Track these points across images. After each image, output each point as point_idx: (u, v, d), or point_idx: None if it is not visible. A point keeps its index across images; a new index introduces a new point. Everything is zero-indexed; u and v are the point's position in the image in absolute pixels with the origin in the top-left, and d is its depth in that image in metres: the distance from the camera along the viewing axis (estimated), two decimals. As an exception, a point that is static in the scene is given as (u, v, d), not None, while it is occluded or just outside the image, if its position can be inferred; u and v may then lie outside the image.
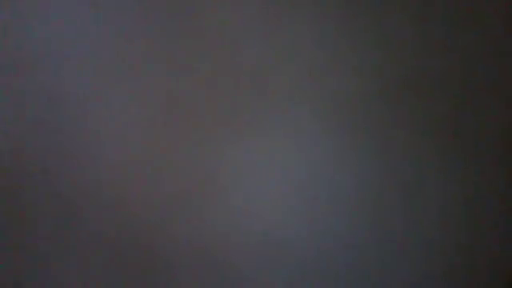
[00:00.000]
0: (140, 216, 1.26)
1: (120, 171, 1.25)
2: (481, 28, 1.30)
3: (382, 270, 1.29)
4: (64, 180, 1.25)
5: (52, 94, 1.25)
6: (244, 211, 1.27)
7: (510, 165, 1.30)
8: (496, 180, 1.30)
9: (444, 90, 1.30)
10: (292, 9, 1.28)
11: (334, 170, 1.28)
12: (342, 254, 1.28)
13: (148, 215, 1.26)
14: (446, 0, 1.30)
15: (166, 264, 1.26)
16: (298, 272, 1.28)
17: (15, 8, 1.25)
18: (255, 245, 1.27)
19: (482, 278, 1.30)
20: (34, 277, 1.24)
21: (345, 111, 1.29)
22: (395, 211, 1.29)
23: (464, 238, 1.30)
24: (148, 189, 1.26)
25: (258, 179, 1.27)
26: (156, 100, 1.26)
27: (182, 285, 1.26)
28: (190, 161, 1.26)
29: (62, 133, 1.25)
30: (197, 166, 1.26)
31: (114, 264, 1.25)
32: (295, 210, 1.28)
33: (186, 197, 1.26)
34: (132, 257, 1.25)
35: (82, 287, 1.25)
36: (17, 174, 1.24)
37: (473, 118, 1.30)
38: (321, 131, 1.28)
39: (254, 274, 1.27)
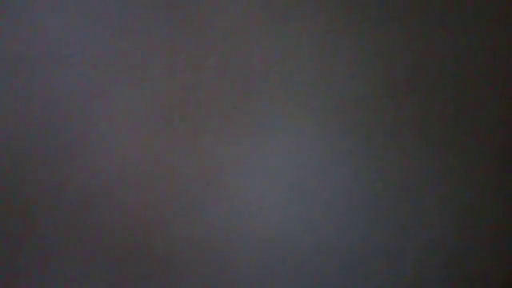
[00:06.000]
0: (140, 216, 1.26)
1: (120, 171, 1.25)
2: (481, 28, 1.31)
3: (381, 270, 1.29)
4: (64, 180, 1.25)
5: (52, 94, 1.25)
6: (244, 211, 1.27)
7: (509, 165, 1.30)
8: (495, 181, 1.30)
9: (444, 91, 1.30)
10: (293, 9, 1.28)
11: (335, 170, 1.28)
12: (342, 254, 1.28)
13: (148, 215, 1.26)
14: (446, 0, 1.30)
15: (166, 264, 1.26)
16: (298, 272, 1.28)
17: (15, 8, 1.25)
18: (255, 245, 1.27)
19: (480, 279, 1.30)
20: (35, 276, 1.24)
21: (345, 111, 1.29)
22: (395, 212, 1.29)
23: (463, 239, 1.30)
24: (148, 188, 1.26)
25: (257, 179, 1.27)
26: (157, 100, 1.26)
27: (181, 284, 1.26)
28: (190, 161, 1.26)
29: (63, 133, 1.25)
30: (197, 166, 1.27)
31: (113, 263, 1.25)
32: (295, 211, 1.28)
33: (185, 197, 1.26)
34: (132, 256, 1.25)
35: (82, 286, 1.25)
36: (17, 174, 1.24)
37: (473, 118, 1.30)
38: (321, 132, 1.28)
39: (253, 273, 1.27)
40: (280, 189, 1.27)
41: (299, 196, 1.28)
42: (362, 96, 1.29)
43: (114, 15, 1.26)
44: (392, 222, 1.29)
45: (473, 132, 1.30)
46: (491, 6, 1.30)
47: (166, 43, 1.26)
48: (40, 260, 1.24)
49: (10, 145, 1.24)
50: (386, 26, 1.29)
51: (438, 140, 1.30)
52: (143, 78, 1.26)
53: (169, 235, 1.26)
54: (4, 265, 1.24)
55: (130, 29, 1.26)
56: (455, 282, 1.29)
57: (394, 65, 1.29)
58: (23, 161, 1.24)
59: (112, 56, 1.26)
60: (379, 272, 1.29)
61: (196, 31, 1.27)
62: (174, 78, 1.27)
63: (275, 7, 1.28)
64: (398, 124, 1.29)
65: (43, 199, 1.24)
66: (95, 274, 1.25)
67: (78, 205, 1.25)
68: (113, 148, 1.25)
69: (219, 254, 1.26)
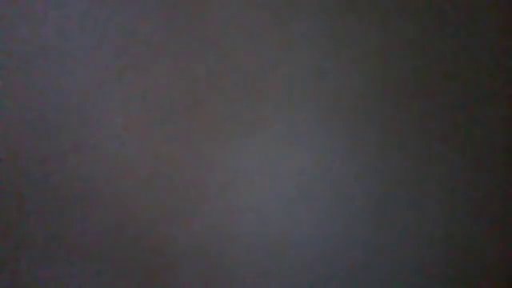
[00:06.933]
0: (139, 216, 1.26)
1: (119, 171, 1.25)
2: (481, 28, 1.30)
3: (382, 269, 1.28)
4: (64, 179, 1.25)
5: (52, 94, 1.25)
6: (244, 211, 1.27)
7: (510, 164, 1.30)
8: (497, 179, 1.30)
9: (444, 90, 1.30)
10: (291, 8, 1.28)
11: (334, 169, 1.28)
12: (342, 253, 1.28)
13: (147, 215, 1.26)
14: (446, 0, 1.30)
15: (166, 264, 1.26)
16: (298, 272, 1.28)
17: (15, 7, 1.25)
18: (255, 245, 1.27)
19: (482, 278, 1.30)
20: (34, 276, 1.24)
21: (344, 111, 1.29)
22: (396, 211, 1.29)
23: (465, 237, 1.30)
24: (147, 188, 1.26)
25: (257, 179, 1.27)
26: (156, 100, 1.26)
27: (180, 284, 1.26)
28: (190, 160, 1.26)
29: (62, 132, 1.25)
30: (196, 165, 1.26)
31: (112, 263, 1.25)
32: (295, 210, 1.28)
33: (185, 196, 1.26)
34: (131, 256, 1.25)
35: (81, 286, 1.25)
36: (17, 174, 1.24)
37: (473, 117, 1.30)
38: (320, 131, 1.28)
39: (253, 273, 1.27)
40: (280, 189, 1.27)
41: (299, 196, 1.27)
42: (363, 96, 1.29)
43: (113, 15, 1.26)
44: (393, 221, 1.29)
45: (474, 131, 1.30)
46: (491, 5, 1.30)
47: (165, 43, 1.26)
48: (39, 259, 1.24)
49: (9, 144, 1.24)
50: (387, 25, 1.29)
51: (438, 140, 1.30)
52: (143, 78, 1.26)
53: (168, 235, 1.26)
54: (5, 264, 1.24)
55: (129, 28, 1.26)
56: (456, 281, 1.29)
57: (394, 65, 1.29)
58: (22, 161, 1.24)
59: (112, 55, 1.26)
60: (381, 270, 1.28)
61: (196, 31, 1.27)
62: (174, 77, 1.27)
63: (275, 7, 1.28)
64: (399, 123, 1.29)
65: (42, 199, 1.24)
66: (94, 274, 1.25)
67: (76, 205, 1.25)
68: (112, 148, 1.25)
69: (219, 254, 1.26)
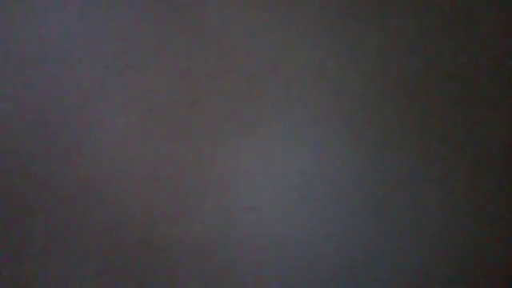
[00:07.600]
0: (139, 216, 1.26)
1: (119, 171, 1.25)
2: (481, 28, 1.30)
3: (382, 268, 1.29)
4: (64, 179, 1.25)
5: (52, 94, 1.25)
6: (244, 211, 1.27)
7: (510, 164, 1.30)
8: (497, 179, 1.30)
9: (444, 90, 1.30)
10: (291, 8, 1.28)
11: (335, 169, 1.28)
12: (342, 253, 1.28)
13: (147, 215, 1.26)
14: (446, 0, 1.30)
15: (166, 264, 1.26)
16: (298, 271, 1.28)
17: (15, 7, 1.25)
18: (255, 245, 1.27)
19: (482, 277, 1.30)
20: (34, 276, 1.24)
21: (344, 111, 1.29)
22: (396, 211, 1.29)
23: (465, 237, 1.30)
24: (147, 188, 1.26)
25: (257, 179, 1.27)
26: (156, 100, 1.26)
27: (180, 284, 1.26)
28: (190, 160, 1.26)
29: (62, 132, 1.25)
30: (196, 165, 1.26)
31: (112, 263, 1.25)
32: (295, 210, 1.28)
33: (185, 196, 1.26)
34: (131, 256, 1.25)
35: (81, 286, 1.25)
36: (17, 174, 1.24)
37: (473, 117, 1.30)
38: (320, 131, 1.28)
39: (253, 273, 1.27)
40: (281, 188, 1.27)
41: (299, 197, 1.27)
42: (363, 96, 1.29)
43: (113, 15, 1.26)
44: (394, 221, 1.29)
45: (474, 131, 1.30)
46: (492, 5, 1.30)
47: (165, 43, 1.26)
48: (39, 259, 1.24)
49: (9, 144, 1.24)
50: (387, 25, 1.29)
51: (438, 140, 1.30)
52: (143, 78, 1.26)
53: (168, 235, 1.26)
54: (5, 264, 1.24)
55: (129, 28, 1.26)
56: (457, 281, 1.29)
57: (394, 65, 1.29)
58: (23, 161, 1.24)
59: (112, 55, 1.26)
60: (381, 270, 1.28)
61: (196, 31, 1.27)
62: (174, 77, 1.27)
63: (275, 7, 1.28)
64: (399, 123, 1.29)
65: (42, 199, 1.24)
66: (94, 274, 1.25)
67: (77, 205, 1.25)
68: (112, 148, 1.25)
69: (219, 254, 1.26)
